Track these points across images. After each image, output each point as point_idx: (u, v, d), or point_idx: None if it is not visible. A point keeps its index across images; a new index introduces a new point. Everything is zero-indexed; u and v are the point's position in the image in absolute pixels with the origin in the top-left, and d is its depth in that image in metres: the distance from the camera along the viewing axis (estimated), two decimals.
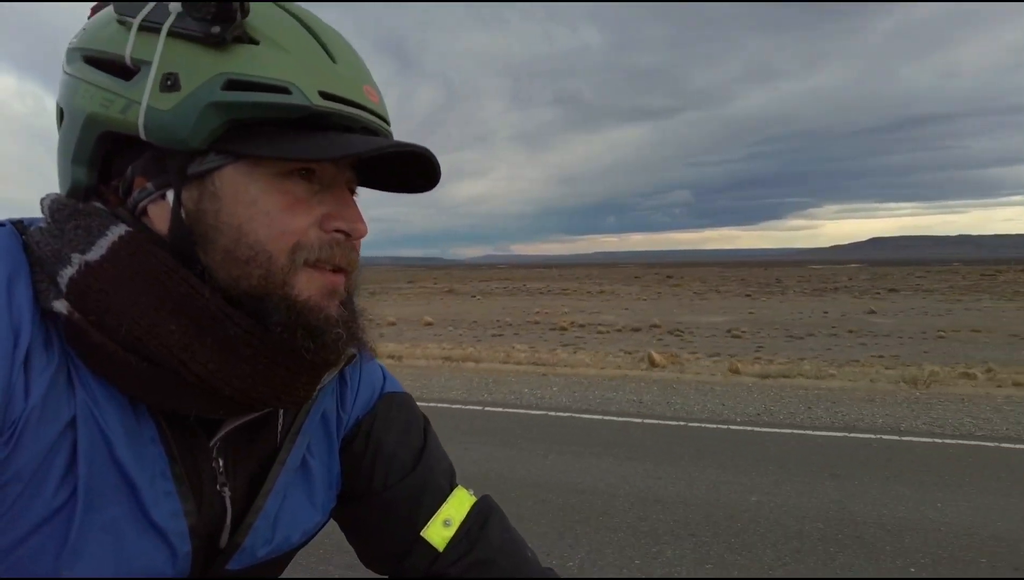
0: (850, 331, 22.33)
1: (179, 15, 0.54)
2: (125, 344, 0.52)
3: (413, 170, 0.61)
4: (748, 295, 42.60)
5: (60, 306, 0.52)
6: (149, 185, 0.56)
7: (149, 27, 0.54)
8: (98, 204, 0.58)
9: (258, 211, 0.55)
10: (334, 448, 0.71)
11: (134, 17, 0.54)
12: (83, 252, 0.54)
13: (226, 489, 0.60)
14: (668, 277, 72.15)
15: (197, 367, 0.53)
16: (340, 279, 0.59)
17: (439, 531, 0.71)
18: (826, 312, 30.06)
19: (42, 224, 0.57)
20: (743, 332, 22.49)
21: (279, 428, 0.65)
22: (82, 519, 0.51)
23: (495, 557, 0.71)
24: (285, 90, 0.53)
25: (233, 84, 0.53)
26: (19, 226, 0.57)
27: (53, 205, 0.58)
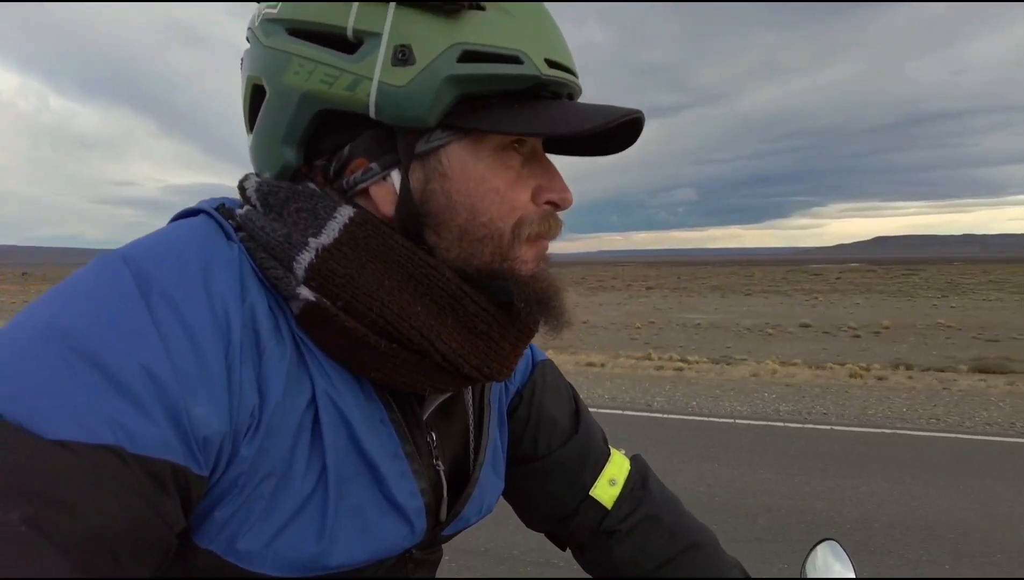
0: None
1: None
2: (375, 327, 0.52)
3: (610, 134, 0.59)
4: None
5: (306, 293, 0.51)
6: (373, 165, 0.54)
7: None
8: (313, 185, 0.55)
9: (489, 188, 0.54)
10: (504, 418, 0.74)
11: None
12: (315, 236, 0.52)
13: (440, 463, 0.62)
14: None
15: (443, 347, 0.53)
16: (547, 245, 0.58)
17: (606, 490, 0.77)
18: None
19: (248, 208, 0.55)
20: None
21: (467, 402, 0.67)
22: (335, 506, 0.52)
23: (659, 513, 0.78)
24: (517, 60, 0.52)
25: (469, 55, 0.51)
26: (223, 210, 0.55)
27: (264, 188, 0.55)
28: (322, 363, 0.53)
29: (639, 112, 0.54)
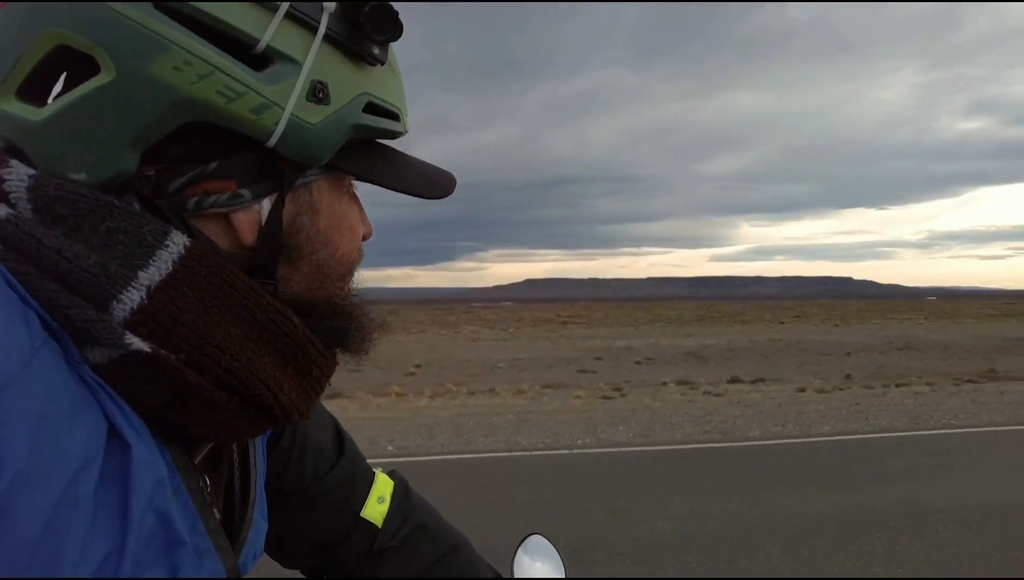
0: None
1: (332, 17, 0.47)
2: (219, 382, 0.45)
3: None
4: None
5: (137, 343, 0.41)
6: (245, 192, 0.47)
7: (299, 18, 0.46)
8: (134, 200, 0.45)
9: (346, 226, 0.54)
10: (264, 452, 0.66)
11: None
12: (143, 268, 0.43)
13: (215, 511, 0.52)
14: None
15: (284, 398, 0.48)
16: None
17: (376, 508, 0.75)
18: None
19: (7, 211, 0.42)
20: None
21: None
22: None
23: (425, 521, 0.78)
24: (397, 117, 0.53)
25: (371, 107, 0.50)
26: None
27: (50, 190, 0.43)
28: (127, 414, 0.43)
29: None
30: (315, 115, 0.47)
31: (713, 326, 36.72)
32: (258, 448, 0.64)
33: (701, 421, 8.29)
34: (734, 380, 13.79)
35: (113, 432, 0.41)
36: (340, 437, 0.77)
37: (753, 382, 13.27)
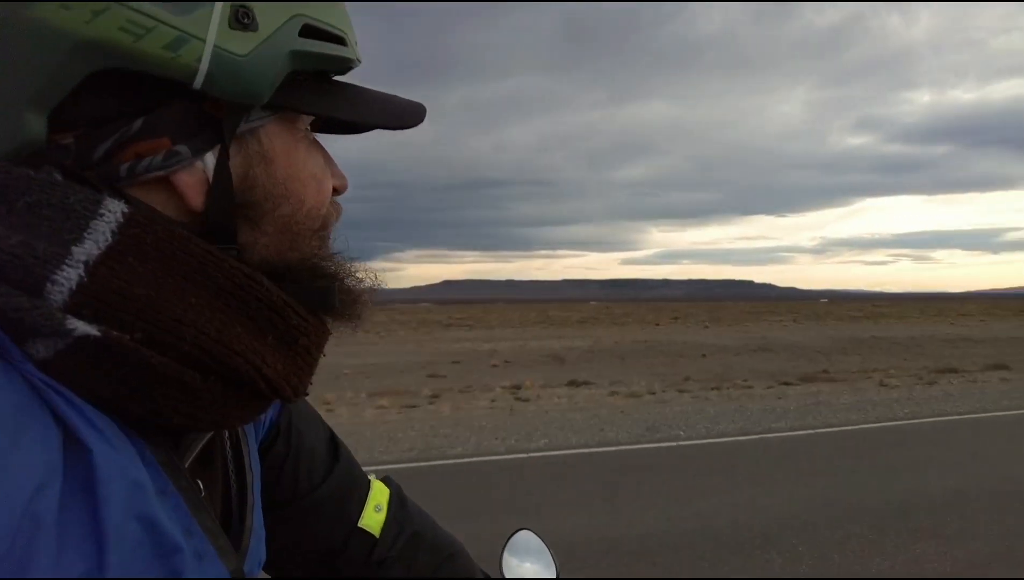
0: None
1: None
2: (188, 359, 0.40)
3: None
4: None
5: (82, 327, 0.37)
6: (181, 148, 0.42)
7: None
8: (54, 172, 0.40)
9: (308, 174, 0.48)
10: (256, 456, 0.61)
11: None
12: (77, 242, 0.38)
13: (211, 511, 0.48)
14: None
15: (269, 371, 0.43)
16: None
17: (373, 517, 0.71)
18: None
19: None
20: None
21: (225, 437, 0.55)
22: None
23: (421, 530, 0.73)
24: (342, 41, 0.47)
25: (308, 30, 0.45)
26: None
27: None
28: (86, 413, 0.37)
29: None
30: (243, 45, 0.41)
31: (591, 328, 37.18)
32: (254, 447, 0.60)
33: (431, 435, 7.77)
34: (571, 383, 13.59)
35: (71, 438, 0.36)
36: (334, 442, 0.73)
37: (579, 386, 13.10)
